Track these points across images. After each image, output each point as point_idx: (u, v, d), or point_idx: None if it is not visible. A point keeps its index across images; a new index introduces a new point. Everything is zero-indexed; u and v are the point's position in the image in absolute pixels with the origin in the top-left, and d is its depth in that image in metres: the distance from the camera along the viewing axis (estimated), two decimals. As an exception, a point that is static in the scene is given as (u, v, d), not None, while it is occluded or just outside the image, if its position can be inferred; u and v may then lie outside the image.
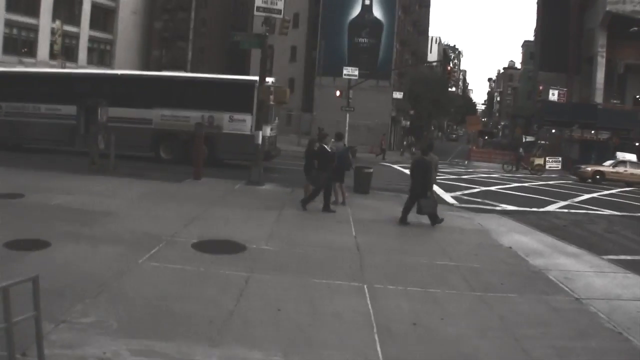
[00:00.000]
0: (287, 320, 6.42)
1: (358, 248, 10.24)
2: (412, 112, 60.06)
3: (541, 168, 38.03)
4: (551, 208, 19.62)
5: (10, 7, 45.92)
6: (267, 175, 19.42)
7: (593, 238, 14.26)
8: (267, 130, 20.82)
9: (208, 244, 9.52)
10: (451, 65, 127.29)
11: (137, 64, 60.03)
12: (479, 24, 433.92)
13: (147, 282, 7.33)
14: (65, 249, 8.48)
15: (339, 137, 16.37)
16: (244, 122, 22.15)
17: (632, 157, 35.95)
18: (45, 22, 48.35)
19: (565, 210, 19.24)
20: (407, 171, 24.14)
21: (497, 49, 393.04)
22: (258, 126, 18.68)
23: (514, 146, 54.53)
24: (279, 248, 9.78)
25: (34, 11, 48.18)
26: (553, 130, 51.72)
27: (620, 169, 33.96)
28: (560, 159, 41.97)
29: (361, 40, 54.64)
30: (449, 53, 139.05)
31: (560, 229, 15.09)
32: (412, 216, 13.19)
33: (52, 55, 46.09)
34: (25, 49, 47.34)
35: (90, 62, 54.13)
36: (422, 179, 13.11)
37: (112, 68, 51.44)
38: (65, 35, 47.43)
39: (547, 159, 40.77)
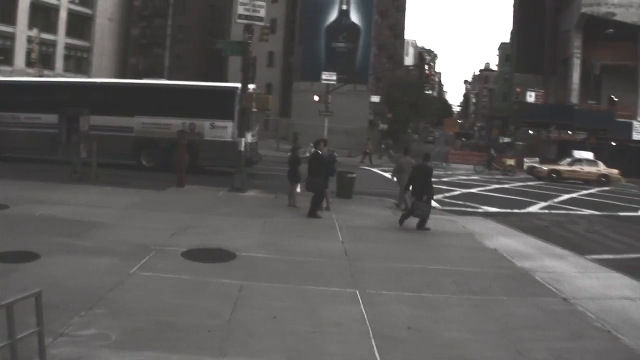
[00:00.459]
0: (284, 328, 6.45)
1: (346, 253, 10.32)
2: (389, 115, 60.35)
3: (513, 169, 38.40)
4: (532, 209, 19.90)
5: (-14, 15, 45.41)
6: (250, 182, 19.41)
7: (576, 238, 14.51)
8: (249, 137, 20.83)
9: (198, 253, 9.50)
10: (427, 68, 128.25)
11: (114, 71, 59.66)
12: (454, 27, 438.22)
13: (141, 293, 7.30)
14: (55, 260, 8.40)
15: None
16: (225, 129, 22.16)
17: (589, 155, 35.84)
18: (22, 30, 47.86)
19: (547, 211, 19.53)
20: (388, 175, 24.45)
21: (471, 51, 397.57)
22: (241, 133, 18.64)
23: (489, 147, 55.09)
24: (269, 255, 9.80)
25: (11, 19, 47.80)
26: (530, 132, 52.30)
27: (577, 167, 34.11)
28: (537, 159, 42.46)
29: (339, 45, 54.83)
30: (424, 56, 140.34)
31: (543, 230, 15.32)
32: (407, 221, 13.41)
33: (29, 63, 45.58)
34: (2, 57, 46.68)
35: (67, 70, 53.64)
36: (423, 183, 13.23)
37: (89, 76, 51.15)
38: (42, 43, 46.95)
39: (524, 159, 41.16)
